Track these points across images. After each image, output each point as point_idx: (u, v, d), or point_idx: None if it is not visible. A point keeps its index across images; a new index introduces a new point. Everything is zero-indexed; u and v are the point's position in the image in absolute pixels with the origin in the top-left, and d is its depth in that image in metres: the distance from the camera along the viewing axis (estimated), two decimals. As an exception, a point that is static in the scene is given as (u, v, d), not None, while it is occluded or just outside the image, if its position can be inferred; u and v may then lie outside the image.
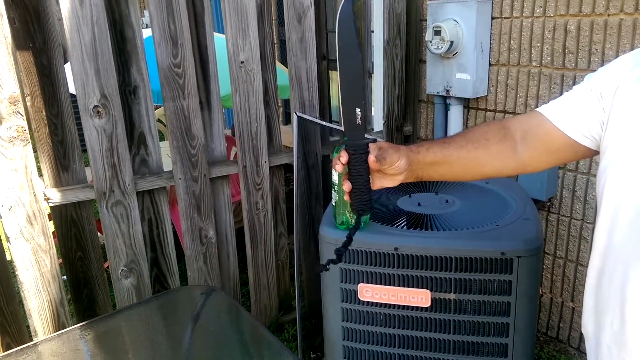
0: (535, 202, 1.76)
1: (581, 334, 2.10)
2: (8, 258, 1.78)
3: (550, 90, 1.98)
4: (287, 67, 2.16)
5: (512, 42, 2.07)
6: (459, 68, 2.16)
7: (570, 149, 0.89)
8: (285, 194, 2.30)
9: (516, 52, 2.07)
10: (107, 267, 1.94)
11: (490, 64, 2.17)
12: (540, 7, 1.95)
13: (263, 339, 1.37)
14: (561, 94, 2.13)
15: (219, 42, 2.01)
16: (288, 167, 2.32)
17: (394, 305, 1.46)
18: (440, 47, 2.13)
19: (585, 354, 2.21)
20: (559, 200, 2.06)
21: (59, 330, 1.79)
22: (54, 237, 1.75)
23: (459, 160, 0.95)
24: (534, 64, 2.02)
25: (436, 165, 0.95)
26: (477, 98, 2.24)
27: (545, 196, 2.04)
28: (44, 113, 1.69)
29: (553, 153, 0.92)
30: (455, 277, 1.40)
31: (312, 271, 2.37)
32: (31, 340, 1.78)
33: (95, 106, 1.71)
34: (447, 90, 2.23)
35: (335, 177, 1.47)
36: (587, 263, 2.00)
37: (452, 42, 2.10)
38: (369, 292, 1.47)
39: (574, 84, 1.90)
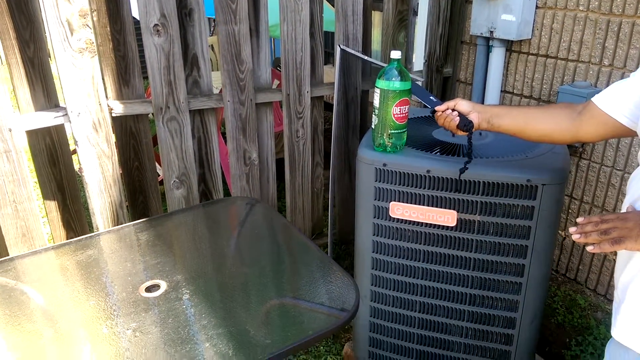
0: (568, 147, 1.81)
1: (599, 276, 2.20)
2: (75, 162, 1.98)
3: (594, 36, 1.99)
4: (329, 3, 2.20)
5: (561, -16, 2.06)
6: (505, 9, 2.17)
7: (612, 127, 1.14)
8: (323, 127, 2.41)
9: (565, -5, 2.06)
10: (160, 179, 2.12)
11: (537, 6, 2.17)
12: (595, -52, 1.92)
13: (301, 242, 1.52)
14: (604, 40, 2.11)
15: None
16: (326, 105, 2.40)
17: (422, 223, 1.59)
18: (487, -13, 2.14)
19: (601, 295, 2.29)
20: (591, 146, 2.11)
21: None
22: (115, 147, 1.92)
23: (522, 114, 1.33)
24: (581, 7, 2.02)
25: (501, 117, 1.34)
26: (520, 41, 2.25)
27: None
28: (108, 29, 1.82)
29: (600, 127, 1.18)
30: (481, 200, 1.50)
31: (346, 200, 2.51)
32: (93, 236, 2.00)
33: (155, 24, 1.83)
34: (491, 32, 2.25)
35: (376, 102, 1.57)
36: (613, 209, 2.06)
37: (500, -18, 2.10)
38: (399, 210, 1.59)
39: (618, 30, 1.90)
